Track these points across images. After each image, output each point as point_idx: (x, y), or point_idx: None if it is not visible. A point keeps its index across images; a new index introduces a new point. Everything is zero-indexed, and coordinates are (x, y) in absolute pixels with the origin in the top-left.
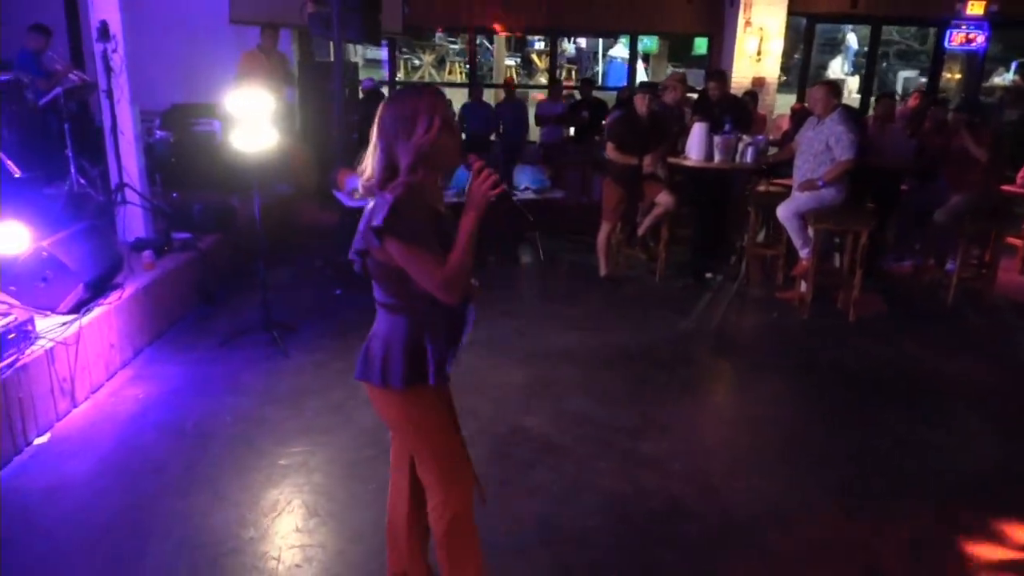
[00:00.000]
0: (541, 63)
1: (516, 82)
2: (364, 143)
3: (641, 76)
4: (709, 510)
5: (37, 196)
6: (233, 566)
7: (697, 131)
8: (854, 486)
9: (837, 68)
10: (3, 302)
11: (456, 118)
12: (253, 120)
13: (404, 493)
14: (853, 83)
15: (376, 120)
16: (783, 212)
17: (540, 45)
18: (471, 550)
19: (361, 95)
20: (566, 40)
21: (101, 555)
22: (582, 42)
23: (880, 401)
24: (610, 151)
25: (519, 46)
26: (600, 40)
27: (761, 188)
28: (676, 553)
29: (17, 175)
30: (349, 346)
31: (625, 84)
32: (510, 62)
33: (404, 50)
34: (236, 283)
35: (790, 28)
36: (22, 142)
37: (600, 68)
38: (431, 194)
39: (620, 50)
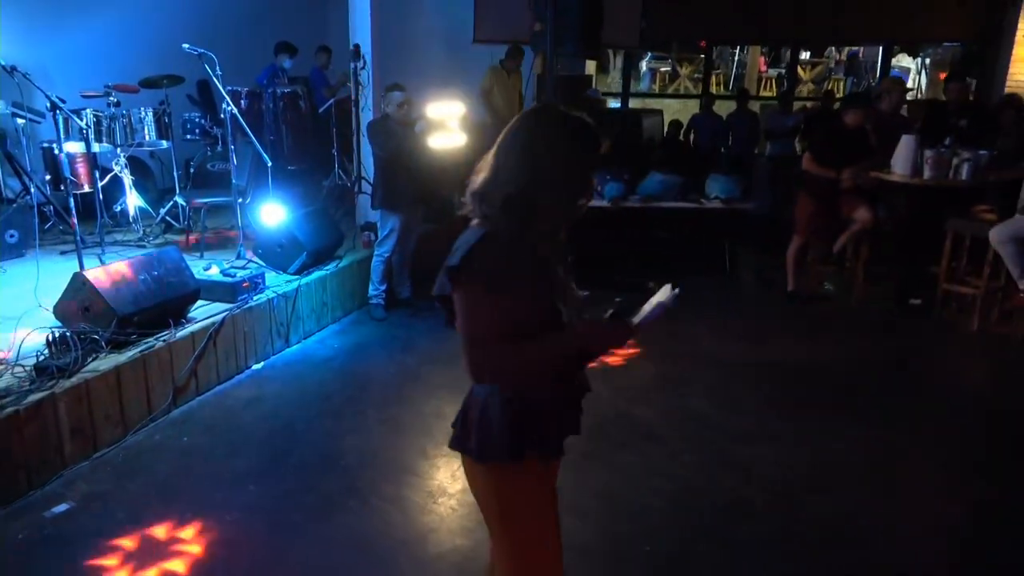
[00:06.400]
0: (806, 74)
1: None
2: None
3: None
4: (774, 517)
5: (304, 184)
6: (347, 472)
7: (904, 144)
8: (974, 554)
9: None
10: (251, 260)
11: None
12: (447, 125)
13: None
14: None
15: (520, 125)
16: (997, 235)
17: (806, 55)
18: None
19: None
20: (833, 49)
21: (269, 447)
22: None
23: None
24: (806, 162)
25: (779, 57)
26: (880, 48)
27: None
28: (713, 544)
29: (269, 164)
30: None
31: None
32: (773, 73)
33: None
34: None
35: None
36: (299, 142)
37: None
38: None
39: (906, 58)
